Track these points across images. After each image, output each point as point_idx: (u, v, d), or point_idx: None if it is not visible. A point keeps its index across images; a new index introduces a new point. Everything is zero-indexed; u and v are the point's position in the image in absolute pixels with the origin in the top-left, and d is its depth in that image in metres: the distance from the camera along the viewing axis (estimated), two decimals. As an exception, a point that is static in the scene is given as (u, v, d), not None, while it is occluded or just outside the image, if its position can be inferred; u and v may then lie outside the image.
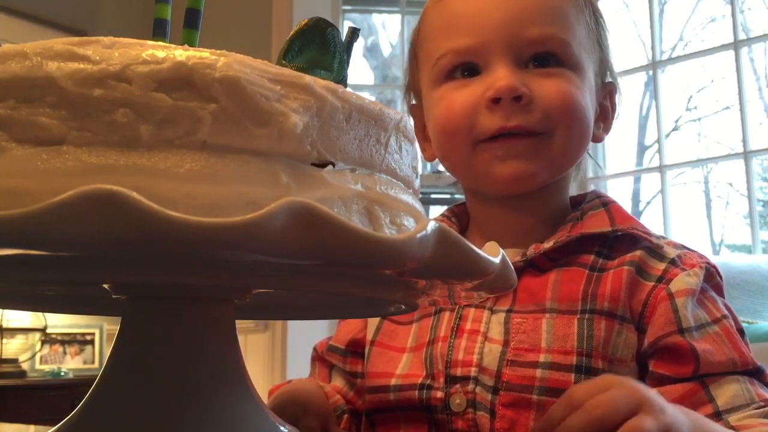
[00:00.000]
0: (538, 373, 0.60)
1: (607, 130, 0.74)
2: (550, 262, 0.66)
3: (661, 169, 2.81)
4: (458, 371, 0.63)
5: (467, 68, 0.68)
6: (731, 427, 0.54)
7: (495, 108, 0.65)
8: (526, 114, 0.65)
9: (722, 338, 0.60)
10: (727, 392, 0.57)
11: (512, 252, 0.66)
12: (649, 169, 3.20)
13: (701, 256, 0.65)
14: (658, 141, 2.88)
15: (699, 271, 0.62)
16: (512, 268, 0.42)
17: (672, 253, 0.64)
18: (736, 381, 0.58)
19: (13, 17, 2.86)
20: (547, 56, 0.66)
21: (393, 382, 0.66)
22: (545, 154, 0.65)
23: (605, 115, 0.74)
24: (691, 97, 3.31)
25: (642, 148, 3.67)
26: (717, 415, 0.56)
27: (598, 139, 0.73)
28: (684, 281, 0.62)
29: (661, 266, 0.63)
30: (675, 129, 3.46)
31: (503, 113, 0.64)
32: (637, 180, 3.37)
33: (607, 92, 0.74)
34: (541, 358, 0.60)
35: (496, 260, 0.38)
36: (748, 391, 0.57)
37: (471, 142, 0.66)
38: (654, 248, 0.64)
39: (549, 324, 0.62)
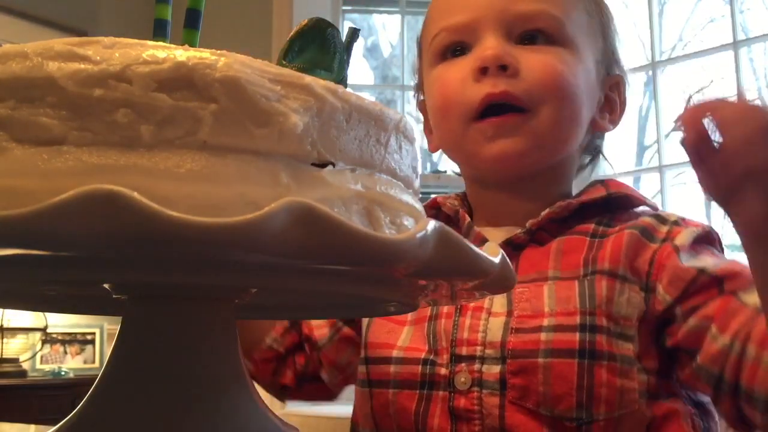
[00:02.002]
0: (543, 336, 0.60)
1: (613, 122, 0.74)
2: (551, 236, 0.67)
3: (661, 169, 2.81)
4: (463, 350, 0.62)
5: (459, 48, 0.70)
6: None
7: (482, 78, 0.66)
8: (513, 81, 0.66)
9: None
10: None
11: (513, 229, 0.68)
12: (648, 169, 3.20)
13: (702, 223, 0.67)
14: (658, 141, 2.88)
15: (700, 229, 0.65)
16: (512, 268, 0.42)
17: (674, 216, 0.67)
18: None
19: (13, 17, 2.86)
20: (537, 33, 0.68)
21: (395, 354, 0.66)
22: (531, 132, 0.66)
23: (611, 106, 0.74)
24: (691, 97, 3.30)
25: (641, 148, 3.66)
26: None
27: (601, 128, 0.74)
28: (687, 235, 0.63)
29: (665, 228, 0.65)
30: (675, 129, 3.44)
31: (490, 82, 0.66)
32: (637, 180, 3.37)
33: (613, 84, 0.74)
34: (545, 322, 0.61)
35: (496, 260, 0.38)
36: None
37: (464, 120, 0.67)
38: (658, 214, 0.67)
39: (551, 289, 0.62)
